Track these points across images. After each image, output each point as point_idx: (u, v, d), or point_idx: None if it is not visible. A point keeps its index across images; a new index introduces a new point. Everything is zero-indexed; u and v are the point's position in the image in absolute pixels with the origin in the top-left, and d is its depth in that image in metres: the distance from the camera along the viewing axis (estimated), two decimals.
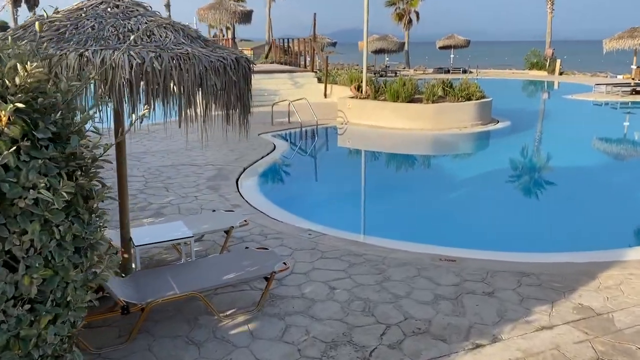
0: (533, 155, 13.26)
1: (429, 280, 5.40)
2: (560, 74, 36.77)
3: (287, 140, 13.98)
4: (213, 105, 4.61)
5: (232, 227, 5.91)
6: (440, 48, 44.52)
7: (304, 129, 15.28)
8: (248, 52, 51.89)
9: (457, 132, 15.00)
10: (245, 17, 23.55)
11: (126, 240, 5.09)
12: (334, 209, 8.60)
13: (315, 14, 23.53)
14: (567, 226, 7.70)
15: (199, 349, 4.21)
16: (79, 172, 2.55)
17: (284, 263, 4.96)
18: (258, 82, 21.66)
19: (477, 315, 4.70)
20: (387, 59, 40.57)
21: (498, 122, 16.28)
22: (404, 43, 39.88)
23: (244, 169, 10.23)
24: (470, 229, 7.62)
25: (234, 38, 23.01)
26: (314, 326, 4.53)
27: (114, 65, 3.79)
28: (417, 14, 48.07)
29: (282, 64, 27.56)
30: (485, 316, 4.69)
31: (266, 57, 31.69)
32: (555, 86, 31.39)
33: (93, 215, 2.61)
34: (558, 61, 37.55)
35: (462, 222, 7.93)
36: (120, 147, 5.02)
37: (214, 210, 6.89)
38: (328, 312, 4.77)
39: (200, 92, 4.32)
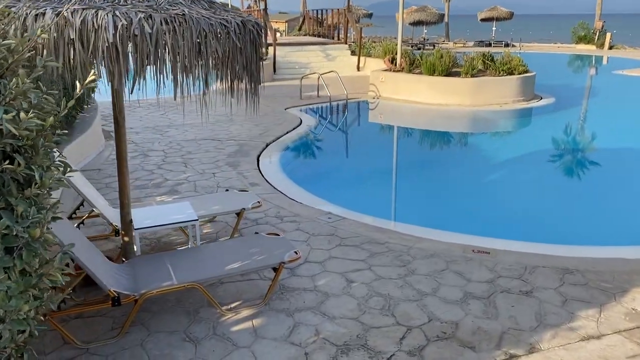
0: (579, 136, 12.31)
1: (458, 276, 4.82)
2: (610, 48, 34.73)
3: (314, 115, 13.40)
4: (216, 76, 4.05)
5: (244, 209, 5.44)
6: (482, 20, 42.62)
7: (333, 103, 14.65)
8: (281, 25, 51.22)
9: (496, 109, 14.11)
10: None
11: (126, 222, 4.69)
12: (359, 191, 8.04)
13: None
14: (619, 216, 6.95)
15: (195, 347, 3.78)
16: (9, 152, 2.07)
17: (296, 252, 4.46)
18: (288, 54, 21.10)
19: (512, 319, 4.11)
20: (426, 31, 39.14)
21: (541, 98, 15.27)
22: (443, 15, 38.27)
23: (267, 145, 9.75)
24: (507, 216, 6.95)
25: (265, 9, 22.26)
26: (325, 325, 4.04)
27: (96, 27, 3.29)
28: None
29: (316, 36, 26.78)
30: (521, 320, 4.10)
31: (299, 30, 30.92)
32: (605, 61, 29.59)
33: (34, 207, 2.13)
34: (608, 34, 35.44)
35: (499, 209, 7.27)
36: (118, 121, 4.56)
37: (227, 190, 6.44)
38: (342, 309, 4.27)
39: (199, 60, 3.78)
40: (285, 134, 10.67)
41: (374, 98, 15.53)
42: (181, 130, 10.85)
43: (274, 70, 19.89)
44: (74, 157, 7.72)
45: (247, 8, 39.55)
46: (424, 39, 36.59)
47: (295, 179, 7.88)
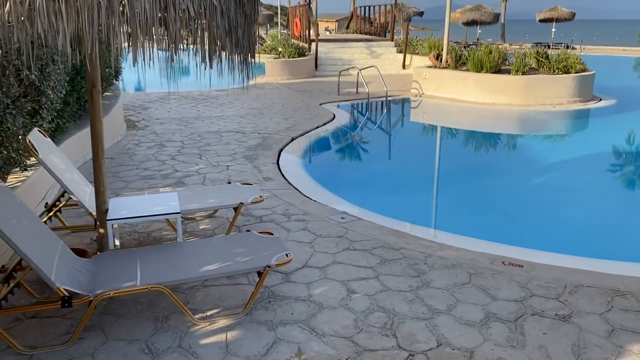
0: None
1: (482, 291, 4.04)
2: None
3: (349, 111, 12.71)
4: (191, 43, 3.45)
5: (242, 203, 4.84)
6: (541, 21, 40.67)
7: (371, 100, 13.90)
8: (331, 24, 50.65)
9: (549, 109, 12.99)
10: None
11: (102, 212, 4.17)
12: (384, 191, 7.30)
13: None
14: None
15: None
16: None
17: (287, 254, 3.81)
18: (331, 51, 20.52)
19: (543, 350, 3.32)
20: (480, 31, 37.72)
21: (600, 99, 13.99)
22: (499, 15, 36.68)
23: (292, 139, 9.15)
24: (550, 225, 6.05)
25: (309, 3, 21.72)
26: (310, 344, 3.37)
27: None
28: None
29: (363, 34, 26.06)
30: (554, 352, 3.30)
31: (347, 28, 30.26)
32: None
33: None
34: None
35: (541, 217, 6.36)
36: (92, 95, 4.05)
37: (229, 182, 5.86)
38: (335, 325, 3.59)
39: (165, 22, 3.19)
40: (314, 129, 10.04)
41: (416, 96, 14.68)
42: (207, 123, 10.41)
43: (316, 67, 19.35)
44: (83, 144, 7.36)
45: (297, 5, 39.33)
46: (477, 39, 35.19)
47: (315, 175, 7.25)
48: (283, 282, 4.16)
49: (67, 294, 3.26)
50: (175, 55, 3.36)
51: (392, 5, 21.85)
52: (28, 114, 5.45)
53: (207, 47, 3.44)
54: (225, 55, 3.64)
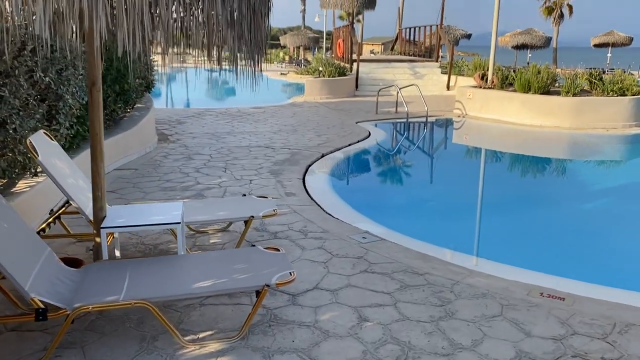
0: None
1: (514, 326, 3.50)
2: None
3: (386, 130, 12.26)
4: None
5: (252, 217, 4.48)
6: (596, 46, 39.18)
7: (411, 119, 13.41)
8: (377, 47, 50.58)
9: (602, 133, 12.16)
10: (369, 2, 22.10)
11: (99, 219, 3.89)
12: (414, 212, 6.80)
13: None
14: None
15: None
16: None
17: (291, 273, 3.41)
18: (373, 71, 20.22)
19: None
20: (530, 55, 36.69)
21: None
22: (550, 38, 35.56)
23: (322, 155, 8.78)
24: (598, 255, 5.40)
25: (352, 24, 21.57)
26: None
27: None
28: (570, 8, 43.23)
29: (407, 55, 25.68)
30: None
31: (392, 50, 29.99)
32: None
33: None
34: None
35: (589, 245, 5.72)
36: (93, 101, 3.80)
37: (244, 195, 5.51)
38: (340, 356, 3.14)
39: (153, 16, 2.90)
40: (346, 146, 9.65)
41: (459, 116, 14.11)
42: (239, 138, 10.20)
43: (356, 86, 19.06)
44: (107, 153, 7.22)
45: (341, 26, 39.37)
46: (527, 64, 34.15)
47: (341, 192, 6.83)
48: (288, 305, 3.74)
49: (43, 306, 2.96)
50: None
51: (437, 26, 21.40)
52: (43, 118, 5.31)
53: (205, 39, 3.12)
54: (229, 51, 3.33)
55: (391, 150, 10.77)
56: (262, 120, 12.57)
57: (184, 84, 29.63)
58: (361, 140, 10.28)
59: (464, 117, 14.01)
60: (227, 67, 3.61)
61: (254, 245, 4.03)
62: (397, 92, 13.77)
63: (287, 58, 41.67)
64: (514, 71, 14.18)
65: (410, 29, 26.17)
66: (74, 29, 3.52)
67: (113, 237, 4.28)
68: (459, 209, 6.96)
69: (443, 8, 20.92)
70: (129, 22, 2.78)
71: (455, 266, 4.48)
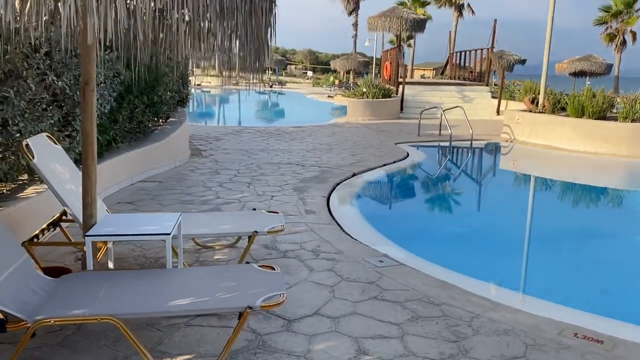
0: None
1: None
2: None
3: (426, 153, 11.75)
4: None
5: (256, 232, 4.14)
6: None
7: (454, 143, 12.84)
8: (429, 72, 50.02)
9: None
10: (418, 25, 21.73)
11: (87, 227, 3.66)
12: (443, 238, 6.27)
13: (495, 20, 20.68)
14: None
15: None
16: None
17: (281, 295, 3.04)
18: (420, 94, 19.77)
19: None
20: (589, 82, 35.14)
21: None
22: (611, 65, 34.00)
23: (353, 174, 8.40)
24: None
25: (399, 46, 21.27)
26: None
27: None
28: (634, 34, 41.31)
29: (457, 79, 25.07)
30: None
31: (442, 74, 29.43)
32: None
33: None
34: None
35: (637, 284, 5.04)
36: (86, 101, 3.61)
37: (254, 209, 5.19)
38: None
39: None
40: (380, 166, 9.24)
41: (506, 141, 13.41)
42: (271, 154, 9.98)
43: (401, 109, 18.62)
44: (131, 165, 7.14)
45: (389, 49, 39.06)
46: None
47: (366, 213, 6.42)
48: (281, 331, 3.36)
49: (2, 316, 2.70)
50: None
51: (488, 49, 20.77)
52: (59, 123, 5.22)
53: (187, 28, 2.85)
54: (220, 43, 3.06)
55: (428, 173, 10.22)
56: (298, 138, 12.34)
57: (235, 104, 30.11)
58: (397, 161, 9.84)
59: (511, 141, 13.31)
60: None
61: (248, 262, 3.69)
62: (441, 115, 13.25)
63: (337, 82, 41.82)
64: (567, 95, 13.40)
65: (460, 52, 25.59)
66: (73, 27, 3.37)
67: (107, 247, 4.05)
68: (493, 236, 6.39)
69: (494, 31, 20.30)
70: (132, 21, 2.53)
71: (478, 297, 3.98)
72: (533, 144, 12.80)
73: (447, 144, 12.63)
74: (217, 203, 6.37)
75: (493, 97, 19.81)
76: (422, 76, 47.21)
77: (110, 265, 4.02)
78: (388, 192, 8.53)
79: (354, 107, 17.21)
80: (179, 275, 3.46)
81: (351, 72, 42.57)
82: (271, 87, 43.95)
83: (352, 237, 5.34)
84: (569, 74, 34.22)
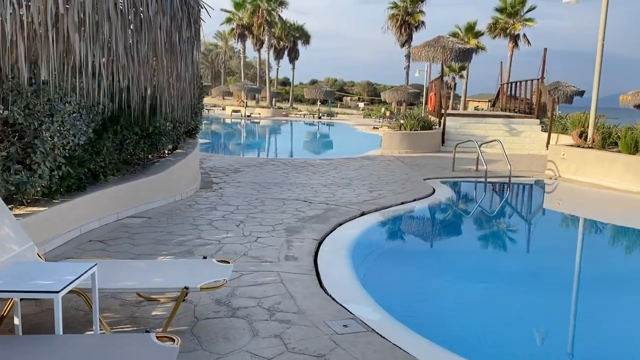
0: None
1: None
2: None
3: (455, 190, 10.83)
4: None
5: (187, 288, 3.51)
6: None
7: (491, 179, 11.82)
8: (484, 105, 48.53)
9: None
10: (464, 55, 20.84)
11: None
12: (443, 297, 5.37)
13: (545, 49, 19.52)
14: None
15: None
16: None
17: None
18: (464, 126, 18.83)
19: None
20: None
21: None
22: None
23: (362, 214, 7.65)
24: None
25: (442, 76, 20.44)
26: None
27: None
28: None
29: (509, 111, 23.82)
30: None
31: (493, 106, 28.19)
32: None
33: None
34: None
35: None
36: None
37: (204, 257, 4.53)
38: None
39: None
40: (397, 205, 8.43)
41: (550, 178, 12.24)
42: (284, 189, 9.39)
43: (442, 141, 17.69)
44: (118, 199, 6.75)
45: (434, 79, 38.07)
46: None
47: (358, 260, 5.63)
48: None
49: None
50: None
51: (538, 80, 19.58)
52: (17, 155, 4.86)
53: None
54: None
55: (448, 215, 9.22)
56: (321, 172, 11.72)
57: (278, 134, 29.99)
58: (419, 199, 9.00)
59: (556, 179, 12.12)
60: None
61: (148, 332, 3.05)
62: (479, 148, 12.29)
63: (387, 113, 41.21)
64: (620, 128, 12.14)
65: (510, 84, 24.39)
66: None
67: (13, 301, 3.52)
68: (516, 302, 5.43)
69: (544, 61, 19.14)
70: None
71: None
72: (579, 182, 11.58)
73: (482, 180, 11.64)
74: (194, 245, 5.79)
75: (543, 130, 18.55)
76: (476, 108, 45.83)
77: (16, 321, 3.48)
78: (393, 236, 7.61)
79: (389, 140, 16.47)
80: (47, 344, 2.84)
81: (403, 103, 41.89)
82: (320, 118, 43.96)
83: (326, 291, 4.60)
84: (634, 106, 32.02)
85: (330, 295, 4.50)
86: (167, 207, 7.64)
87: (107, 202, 6.64)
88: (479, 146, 12.33)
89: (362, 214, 7.67)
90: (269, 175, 10.98)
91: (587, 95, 33.51)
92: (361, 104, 67.56)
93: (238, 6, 49.51)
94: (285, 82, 76.11)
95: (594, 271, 6.60)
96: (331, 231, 6.65)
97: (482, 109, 43.39)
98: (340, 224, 7.04)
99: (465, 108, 44.98)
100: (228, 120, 38.58)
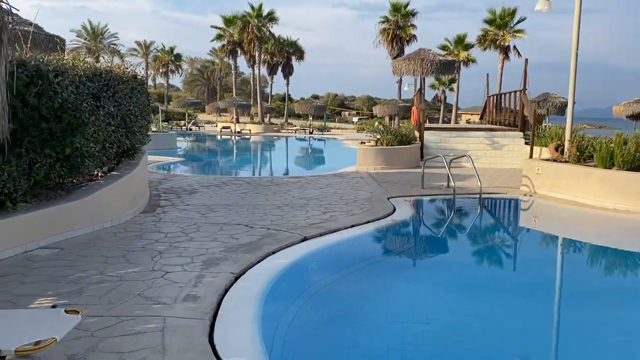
0: None
1: None
2: None
3: (419, 209, 10.19)
4: None
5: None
6: None
7: (462, 197, 11.18)
8: (476, 117, 48.00)
9: None
10: (445, 67, 20.26)
11: None
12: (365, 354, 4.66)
13: (526, 60, 18.97)
14: None
15: None
16: None
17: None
18: (444, 140, 18.25)
19: None
20: None
21: None
22: None
23: (303, 240, 7.01)
24: None
25: (421, 90, 19.90)
26: None
27: None
28: None
29: (496, 124, 23.21)
30: None
31: (481, 118, 27.63)
32: None
33: None
34: None
35: None
36: None
37: (53, 306, 3.85)
38: None
39: None
40: (346, 228, 7.78)
41: (525, 195, 11.58)
42: (232, 212, 8.75)
43: (422, 156, 17.07)
44: (31, 229, 6.15)
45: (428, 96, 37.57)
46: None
47: (270, 303, 4.95)
48: None
49: None
50: None
51: (520, 91, 19.01)
52: None
53: None
54: None
55: (403, 239, 8.43)
56: (283, 191, 11.09)
57: (265, 151, 29.38)
58: (372, 221, 8.35)
59: (531, 195, 11.46)
60: None
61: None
62: (447, 164, 11.65)
63: (381, 127, 40.69)
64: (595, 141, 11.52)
65: (495, 96, 23.84)
66: None
67: None
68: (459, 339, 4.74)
69: (525, 72, 18.60)
70: None
71: None
72: (554, 199, 10.92)
73: (450, 197, 11.00)
74: (88, 283, 5.13)
75: (527, 143, 17.92)
76: (468, 120, 45.25)
77: None
78: (328, 268, 6.63)
79: (364, 156, 15.86)
80: None
81: (395, 117, 41.37)
82: (311, 133, 43.45)
83: (212, 342, 3.94)
84: (627, 116, 31.48)
85: (215, 349, 3.84)
86: (89, 235, 7.00)
87: (12, 232, 6.02)
88: (449, 162, 11.70)
89: (304, 239, 7.03)
90: (225, 197, 10.35)
91: (580, 107, 32.99)
92: (355, 118, 67.09)
93: (228, 22, 49.22)
94: (285, 98, 75.81)
95: (561, 303, 5.93)
96: (258, 262, 5.99)
97: (474, 122, 42.86)
98: (274, 252, 6.39)
99: (457, 121, 44.43)
100: (218, 137, 38.11)
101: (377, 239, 8.02)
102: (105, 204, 7.62)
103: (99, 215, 7.45)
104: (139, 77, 9.47)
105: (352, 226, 7.92)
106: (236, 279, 5.39)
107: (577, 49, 11.73)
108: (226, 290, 5.04)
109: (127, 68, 8.88)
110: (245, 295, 4.95)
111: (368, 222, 8.26)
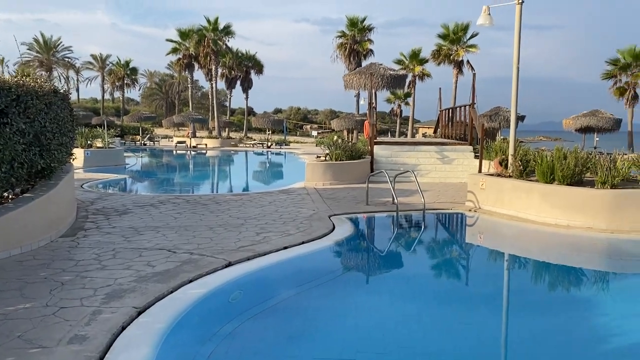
0: None
1: None
2: None
3: (360, 227, 9.87)
4: None
5: None
6: None
7: (405, 212, 10.95)
8: (430, 130, 48.54)
9: None
10: (396, 81, 20.24)
11: None
12: None
13: (474, 74, 19.15)
14: None
15: None
16: None
17: None
18: (395, 154, 18.13)
19: None
20: (597, 139, 33.18)
21: None
22: (620, 120, 31.83)
23: (228, 265, 6.57)
24: None
25: (370, 104, 19.82)
26: None
27: None
28: None
29: (448, 138, 23.34)
30: None
31: (434, 132, 27.81)
32: None
33: None
34: None
35: None
36: None
37: None
38: None
39: None
40: (277, 250, 7.37)
41: (470, 210, 11.44)
42: (158, 235, 8.23)
43: (371, 171, 16.86)
44: None
45: (390, 111, 37.68)
46: (594, 148, 30.59)
47: (174, 341, 4.49)
48: None
49: None
50: None
51: (469, 105, 19.13)
52: None
53: None
54: None
55: (337, 261, 7.99)
56: (220, 210, 10.61)
57: (219, 166, 28.64)
58: (307, 242, 7.97)
59: (475, 211, 11.33)
60: None
61: None
62: (393, 179, 11.42)
63: (340, 141, 40.62)
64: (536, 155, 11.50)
65: (448, 110, 24.01)
66: None
67: None
68: None
69: (474, 87, 18.77)
70: None
71: None
72: (498, 214, 10.81)
73: (394, 214, 10.74)
74: None
75: (476, 157, 17.98)
76: (424, 134, 45.82)
77: None
78: (255, 296, 6.15)
79: (312, 171, 15.53)
80: None
81: (353, 130, 41.36)
82: (269, 147, 43.02)
83: None
84: (575, 130, 32.29)
85: None
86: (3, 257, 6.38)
87: None
88: (394, 177, 11.48)
89: (228, 265, 6.57)
90: (157, 217, 9.80)
91: (537, 120, 33.67)
92: (314, 132, 67.03)
93: (184, 35, 48.53)
94: (250, 112, 75.03)
95: (509, 315, 5.64)
96: (170, 293, 5.51)
97: (430, 135, 43.33)
98: (191, 281, 5.91)
99: (413, 135, 44.81)
100: (174, 152, 37.24)
101: (311, 261, 7.61)
102: (13, 229, 6.99)
103: (5, 242, 6.82)
104: (60, 91, 8.88)
105: (285, 248, 7.52)
106: (139, 313, 4.90)
107: (518, 63, 11.76)
108: (123, 328, 4.55)
109: (44, 82, 8.28)
110: (143, 334, 4.46)
111: (302, 243, 7.87)
